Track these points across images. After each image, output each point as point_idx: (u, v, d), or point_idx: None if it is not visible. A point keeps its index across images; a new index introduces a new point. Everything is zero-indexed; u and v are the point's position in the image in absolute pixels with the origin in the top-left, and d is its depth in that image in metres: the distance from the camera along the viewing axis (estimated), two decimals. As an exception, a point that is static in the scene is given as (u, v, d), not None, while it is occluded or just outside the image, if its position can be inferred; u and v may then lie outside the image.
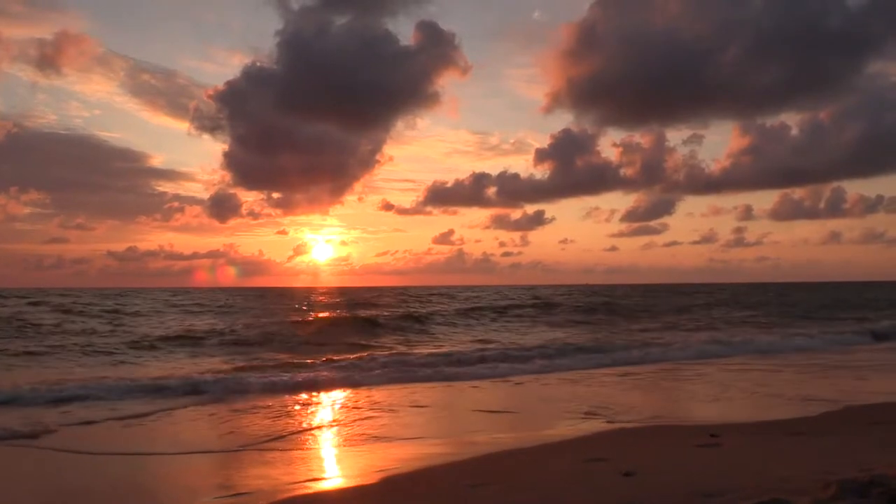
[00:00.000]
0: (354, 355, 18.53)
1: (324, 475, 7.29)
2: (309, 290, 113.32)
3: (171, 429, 10.00)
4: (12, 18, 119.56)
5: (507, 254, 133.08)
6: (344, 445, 8.86)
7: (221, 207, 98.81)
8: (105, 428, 9.98)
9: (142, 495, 6.63)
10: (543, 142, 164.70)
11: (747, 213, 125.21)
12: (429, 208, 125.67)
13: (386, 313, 35.47)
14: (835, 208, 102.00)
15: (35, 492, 7.07)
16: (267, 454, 8.18)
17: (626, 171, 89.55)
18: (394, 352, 20.30)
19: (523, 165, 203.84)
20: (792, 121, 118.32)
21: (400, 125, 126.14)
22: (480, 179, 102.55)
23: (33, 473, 7.78)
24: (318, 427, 10.04)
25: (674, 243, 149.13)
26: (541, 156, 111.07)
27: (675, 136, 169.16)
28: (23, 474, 7.74)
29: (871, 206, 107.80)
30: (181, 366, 17.11)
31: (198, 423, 10.48)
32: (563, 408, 11.31)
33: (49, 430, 9.56)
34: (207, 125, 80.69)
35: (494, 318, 35.27)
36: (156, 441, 9.21)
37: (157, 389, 12.92)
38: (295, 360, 17.79)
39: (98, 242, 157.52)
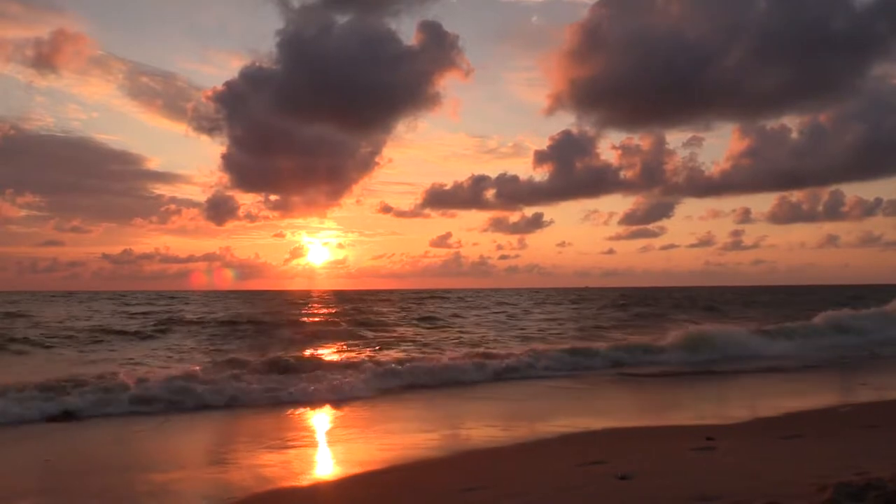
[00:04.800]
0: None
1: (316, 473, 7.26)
2: (306, 294, 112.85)
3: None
4: (9, 19, 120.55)
5: (503, 257, 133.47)
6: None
7: (218, 210, 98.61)
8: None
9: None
10: (542, 145, 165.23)
11: (745, 216, 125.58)
12: (427, 211, 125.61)
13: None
14: (833, 211, 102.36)
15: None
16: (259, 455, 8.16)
17: (626, 174, 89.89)
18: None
19: (522, 169, 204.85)
20: (793, 123, 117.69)
21: (400, 127, 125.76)
22: (479, 182, 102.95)
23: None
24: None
25: (671, 246, 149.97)
26: (540, 158, 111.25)
27: (676, 138, 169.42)
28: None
29: (869, 209, 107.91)
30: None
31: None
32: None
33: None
34: (205, 126, 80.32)
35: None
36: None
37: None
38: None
39: (93, 245, 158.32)
